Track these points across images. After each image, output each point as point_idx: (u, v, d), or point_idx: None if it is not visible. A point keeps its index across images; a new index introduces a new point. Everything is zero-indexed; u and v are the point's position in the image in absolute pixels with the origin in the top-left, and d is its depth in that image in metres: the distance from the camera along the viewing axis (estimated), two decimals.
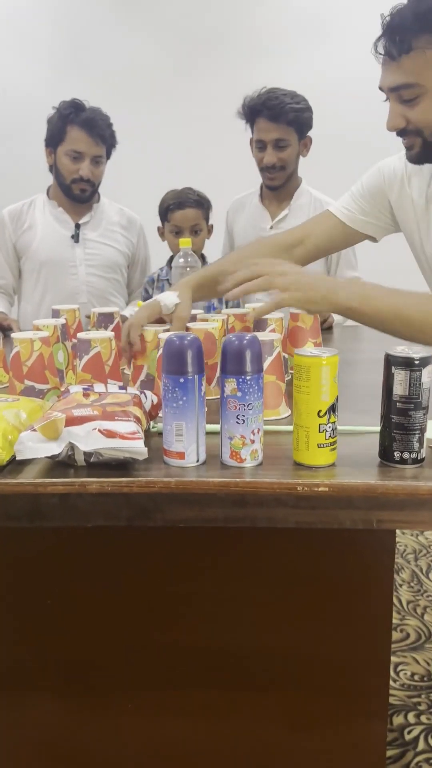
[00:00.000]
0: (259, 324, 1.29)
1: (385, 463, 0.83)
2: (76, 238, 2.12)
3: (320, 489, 0.77)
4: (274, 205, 2.17)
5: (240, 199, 2.28)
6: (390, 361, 0.80)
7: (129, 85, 3.18)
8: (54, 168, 2.11)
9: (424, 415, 0.80)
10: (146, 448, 0.79)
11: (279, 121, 1.98)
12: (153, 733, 1.16)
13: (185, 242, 1.81)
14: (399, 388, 0.79)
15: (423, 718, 1.64)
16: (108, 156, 2.12)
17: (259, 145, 2.05)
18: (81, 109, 2.04)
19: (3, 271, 2.16)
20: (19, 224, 2.14)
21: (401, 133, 1.22)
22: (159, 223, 2.20)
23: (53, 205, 2.15)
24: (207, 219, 2.11)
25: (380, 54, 1.16)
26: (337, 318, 2.12)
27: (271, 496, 0.79)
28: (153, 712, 1.16)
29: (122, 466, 0.82)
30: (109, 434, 0.79)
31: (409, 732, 1.60)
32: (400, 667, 1.82)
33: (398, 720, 1.64)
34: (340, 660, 1.12)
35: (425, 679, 1.78)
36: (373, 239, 1.55)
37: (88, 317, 1.44)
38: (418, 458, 0.81)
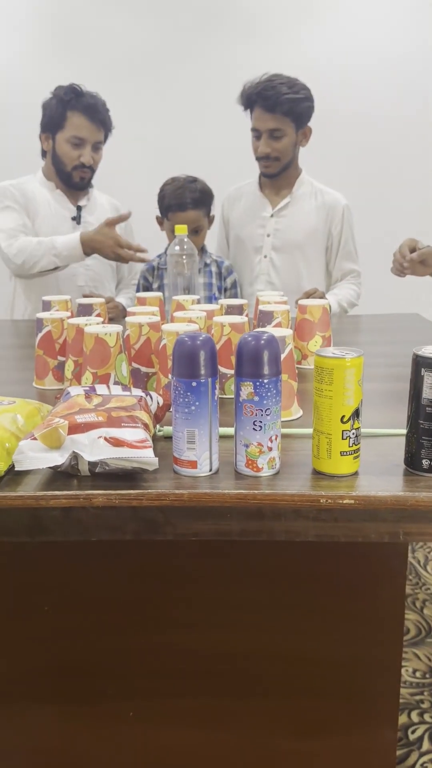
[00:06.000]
0: (264, 317, 1.23)
1: (412, 471, 0.78)
2: (77, 220, 2.07)
3: (345, 501, 0.72)
4: (273, 194, 2.12)
5: (237, 188, 2.23)
6: (419, 363, 0.74)
7: (120, 68, 3.06)
8: (52, 154, 2.04)
9: None
10: (156, 458, 0.73)
11: (274, 111, 1.93)
12: (154, 741, 1.13)
13: (181, 229, 1.74)
14: (429, 392, 0.73)
15: (427, 717, 1.61)
16: (105, 140, 2.07)
17: (255, 134, 2.01)
18: (81, 95, 1.98)
19: (27, 226, 2.01)
20: (24, 197, 2.04)
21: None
22: (154, 210, 2.12)
23: (51, 187, 2.08)
24: (208, 214, 2.03)
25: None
26: (334, 308, 2.07)
27: (290, 509, 0.73)
28: (155, 719, 1.13)
29: (129, 476, 0.76)
30: (117, 443, 0.73)
31: (413, 731, 1.57)
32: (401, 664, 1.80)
33: (402, 719, 1.61)
34: (349, 664, 1.09)
35: (427, 675, 1.76)
36: None
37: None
38: None
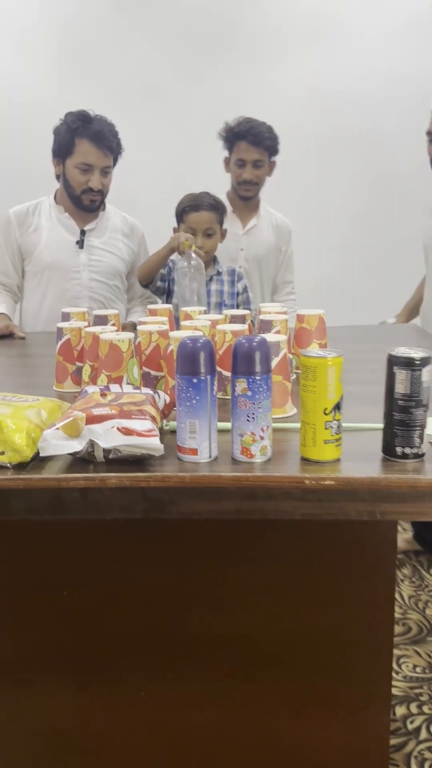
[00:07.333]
0: (265, 325, 1.34)
1: (388, 458, 0.87)
2: (81, 244, 2.16)
3: (326, 482, 0.82)
4: (244, 214, 2.50)
5: None
6: (392, 361, 0.85)
7: (133, 89, 3.22)
8: (63, 178, 2.15)
9: (425, 412, 0.85)
10: (162, 445, 0.84)
11: (259, 145, 2.38)
12: (160, 718, 1.20)
13: (188, 244, 1.87)
14: (400, 387, 0.84)
15: (425, 709, 1.69)
16: (114, 164, 2.16)
17: (239, 164, 2.40)
18: (89, 121, 2.07)
19: (8, 270, 2.20)
20: (24, 226, 2.17)
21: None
22: (166, 225, 2.24)
23: (60, 210, 2.18)
24: (221, 223, 2.16)
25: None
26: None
27: (279, 490, 0.83)
28: (161, 698, 1.20)
29: (138, 462, 0.87)
30: (127, 432, 0.83)
31: (411, 722, 1.64)
32: (402, 660, 1.87)
33: (401, 710, 1.68)
34: (343, 646, 1.16)
35: (427, 671, 1.83)
36: None
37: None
38: (419, 453, 0.86)
